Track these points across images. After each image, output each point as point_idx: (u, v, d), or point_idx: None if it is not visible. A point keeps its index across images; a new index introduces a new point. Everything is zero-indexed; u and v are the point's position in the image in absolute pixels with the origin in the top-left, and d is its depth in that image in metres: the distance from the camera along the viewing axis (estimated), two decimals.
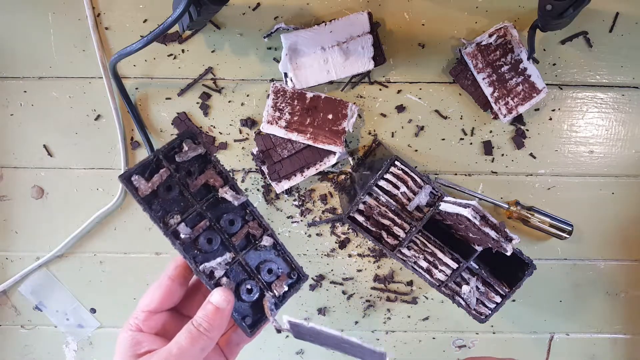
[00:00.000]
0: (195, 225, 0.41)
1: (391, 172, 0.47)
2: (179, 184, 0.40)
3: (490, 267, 0.51)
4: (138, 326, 0.38)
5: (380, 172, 0.47)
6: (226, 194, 0.42)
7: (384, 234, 0.48)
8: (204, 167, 0.42)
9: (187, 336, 0.37)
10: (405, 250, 0.48)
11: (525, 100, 0.54)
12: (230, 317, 0.40)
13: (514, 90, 0.54)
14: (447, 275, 0.48)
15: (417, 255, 0.48)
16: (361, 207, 0.48)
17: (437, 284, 0.49)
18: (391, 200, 0.47)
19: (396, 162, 0.47)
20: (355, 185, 0.53)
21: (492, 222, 0.43)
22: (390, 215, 0.47)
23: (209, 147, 0.41)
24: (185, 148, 0.40)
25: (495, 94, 0.54)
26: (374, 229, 0.48)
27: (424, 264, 0.49)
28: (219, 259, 0.42)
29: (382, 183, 0.47)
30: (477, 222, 0.42)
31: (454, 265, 0.48)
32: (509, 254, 0.44)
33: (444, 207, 0.46)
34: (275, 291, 0.44)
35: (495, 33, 0.53)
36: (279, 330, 0.41)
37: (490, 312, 0.50)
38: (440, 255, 0.48)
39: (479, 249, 0.47)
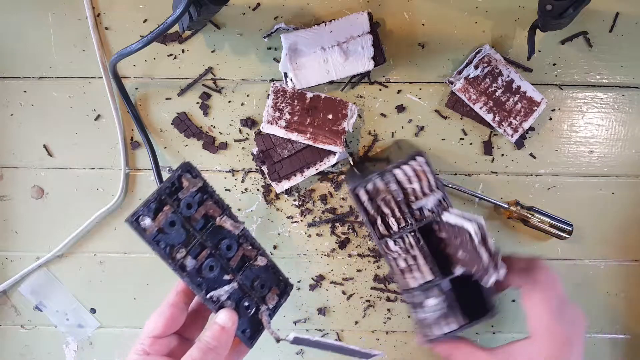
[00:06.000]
0: (197, 255, 0.43)
1: (411, 165, 0.47)
2: (181, 219, 0.42)
3: (459, 292, 0.49)
4: (145, 350, 0.41)
5: (401, 160, 0.46)
6: (226, 223, 0.45)
7: (379, 220, 0.48)
8: (202, 198, 0.44)
9: (198, 350, 0.39)
10: (391, 243, 0.48)
11: (528, 116, 0.55)
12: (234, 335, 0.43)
13: (514, 110, 0.54)
14: (418, 283, 0.48)
15: (399, 253, 0.48)
16: (369, 186, 0.47)
17: (404, 288, 0.49)
18: (399, 192, 0.47)
19: (420, 157, 0.46)
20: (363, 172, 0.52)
21: (489, 246, 0.41)
22: (392, 205, 0.47)
23: (205, 179, 0.45)
24: (186, 184, 0.43)
25: (497, 119, 0.54)
26: (371, 212, 0.48)
27: (402, 264, 0.48)
28: (226, 287, 0.44)
29: (397, 172, 0.47)
30: (477, 240, 0.41)
31: (429, 277, 0.47)
32: (488, 285, 0.42)
33: (446, 217, 0.45)
34: (269, 304, 0.48)
35: (479, 64, 0.53)
36: (278, 340, 0.44)
37: (437, 336, 0.48)
38: (420, 262, 0.47)
39: (458, 272, 0.46)
